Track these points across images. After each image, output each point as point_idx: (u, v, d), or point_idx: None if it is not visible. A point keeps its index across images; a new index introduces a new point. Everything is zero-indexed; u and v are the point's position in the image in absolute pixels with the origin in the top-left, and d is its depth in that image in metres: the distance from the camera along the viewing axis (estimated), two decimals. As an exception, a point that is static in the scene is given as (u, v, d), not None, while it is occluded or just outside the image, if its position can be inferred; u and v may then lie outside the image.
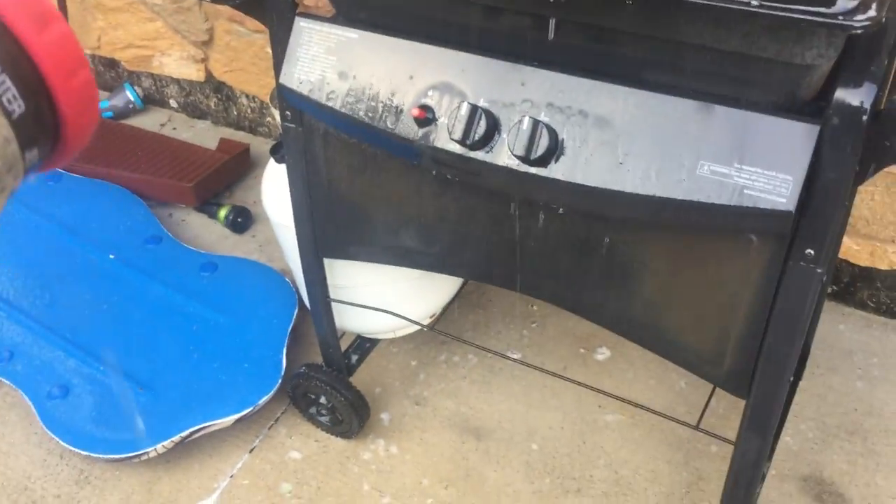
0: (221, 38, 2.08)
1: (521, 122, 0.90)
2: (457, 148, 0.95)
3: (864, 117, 0.79)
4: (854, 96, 0.80)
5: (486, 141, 0.93)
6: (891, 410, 1.49)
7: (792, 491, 1.40)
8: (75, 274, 1.76)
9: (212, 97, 2.26)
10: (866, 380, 1.54)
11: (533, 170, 0.92)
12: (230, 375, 1.54)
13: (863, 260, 1.60)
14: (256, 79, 2.12)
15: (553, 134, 0.90)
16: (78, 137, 0.44)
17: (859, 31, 0.72)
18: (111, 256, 1.79)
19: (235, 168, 2.10)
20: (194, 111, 2.33)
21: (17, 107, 0.41)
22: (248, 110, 2.23)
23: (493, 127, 0.93)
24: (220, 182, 2.06)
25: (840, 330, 1.64)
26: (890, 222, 1.51)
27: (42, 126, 0.42)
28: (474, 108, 0.92)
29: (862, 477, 1.40)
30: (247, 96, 2.20)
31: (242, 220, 1.97)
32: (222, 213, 1.97)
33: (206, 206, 2.01)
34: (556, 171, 0.91)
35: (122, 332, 1.64)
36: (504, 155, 0.92)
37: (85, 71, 0.42)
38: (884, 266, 1.59)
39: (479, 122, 0.92)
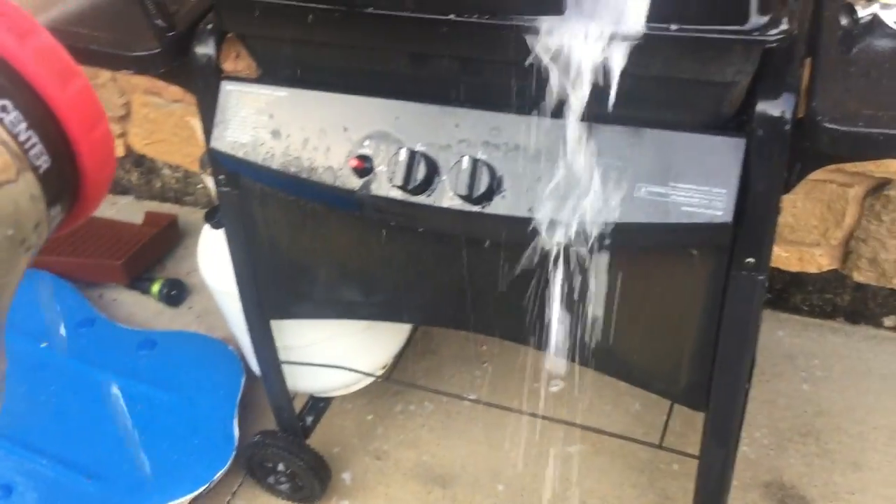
0: (139, 111, 2.05)
1: (459, 162, 0.91)
2: (398, 194, 0.95)
3: (787, 127, 0.83)
4: (775, 107, 0.83)
5: (427, 184, 0.93)
6: (838, 408, 1.53)
7: (756, 499, 1.42)
8: (7, 368, 1.69)
9: (133, 171, 2.22)
10: (811, 381, 1.59)
11: (476, 208, 0.93)
12: (181, 453, 1.49)
13: (793, 265, 1.66)
14: (178, 148, 2.09)
15: (492, 171, 0.91)
16: (96, 193, 0.43)
17: (774, 45, 0.76)
18: (43, 345, 1.73)
19: (164, 241, 2.06)
20: (116, 187, 2.28)
21: (44, 161, 0.40)
22: (173, 181, 2.20)
23: (433, 170, 0.93)
24: (149, 256, 2.02)
25: (780, 336, 1.69)
26: (814, 227, 1.58)
27: (65, 181, 0.41)
28: (412, 153, 0.92)
29: (820, 477, 1.44)
30: (170, 167, 2.17)
31: (177, 293, 1.93)
32: (155, 287, 1.92)
33: (138, 282, 1.96)
34: (498, 206, 0.92)
35: (62, 422, 1.57)
36: (447, 196, 0.93)
37: (104, 124, 0.41)
38: (813, 269, 1.65)
39: (418, 167, 0.92)
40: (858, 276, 1.61)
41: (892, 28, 0.85)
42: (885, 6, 0.86)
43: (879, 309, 1.65)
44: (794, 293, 1.71)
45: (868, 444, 1.47)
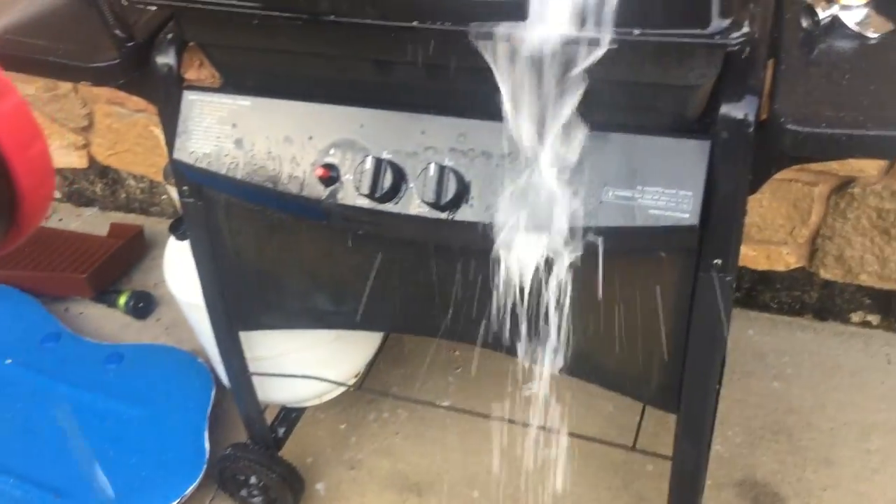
0: (102, 121, 2.02)
1: (427, 169, 0.90)
2: (365, 203, 0.94)
3: (751, 129, 0.83)
4: (738, 110, 0.84)
5: (395, 192, 0.93)
6: (808, 405, 1.55)
7: (730, 498, 1.43)
8: (-30, 385, 1.66)
9: (97, 182, 2.19)
10: (781, 379, 1.60)
11: (444, 215, 0.92)
12: (152, 469, 1.46)
13: (761, 264, 1.67)
14: (143, 159, 2.06)
15: (460, 177, 0.91)
16: (35, 213, 0.41)
17: (736, 48, 0.76)
18: (8, 361, 1.69)
19: (130, 252, 2.03)
20: (80, 199, 2.24)
21: None
22: (137, 191, 2.17)
23: (400, 177, 0.93)
24: (115, 269, 1.99)
25: (750, 335, 1.70)
26: (780, 225, 1.59)
27: (1, 201, 0.39)
28: (379, 161, 0.92)
29: (793, 473, 1.45)
30: (134, 177, 2.14)
31: (144, 305, 1.90)
32: (122, 300, 1.89)
33: (104, 295, 1.93)
34: (466, 213, 0.92)
35: (29, 440, 1.54)
36: (414, 204, 0.92)
37: (41, 142, 0.40)
38: (781, 267, 1.66)
39: (385, 175, 0.92)
40: (825, 274, 1.63)
41: (851, 29, 0.86)
42: (845, 7, 0.86)
43: (846, 305, 1.67)
44: (762, 291, 1.73)
45: (839, 441, 1.48)
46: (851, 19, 0.86)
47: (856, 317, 1.68)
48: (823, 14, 0.86)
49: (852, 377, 1.59)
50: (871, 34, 0.85)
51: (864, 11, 0.87)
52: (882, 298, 1.63)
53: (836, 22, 0.87)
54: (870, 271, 1.59)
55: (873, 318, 1.67)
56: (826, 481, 1.43)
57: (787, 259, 1.65)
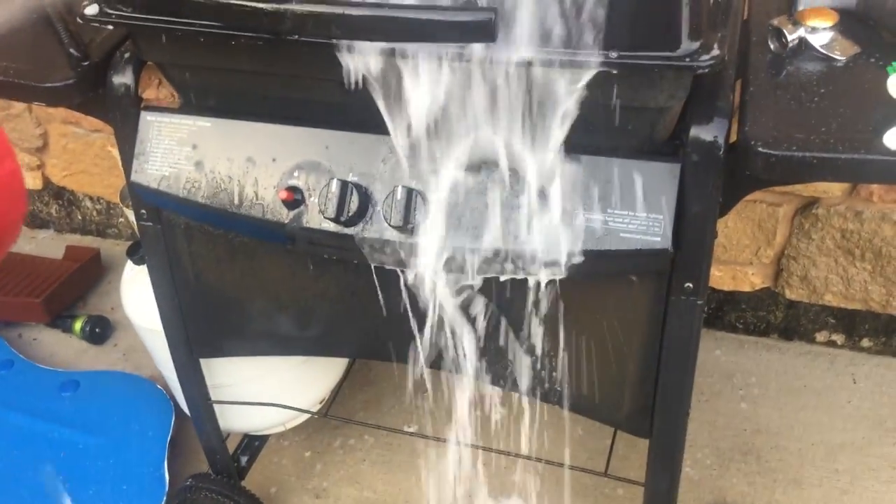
0: (57, 141, 1.97)
1: (394, 191, 0.88)
2: (331, 226, 0.92)
3: (721, 151, 0.83)
4: (708, 132, 0.83)
5: (361, 215, 0.90)
6: (776, 426, 1.55)
7: (700, 521, 1.42)
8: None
9: (52, 204, 2.13)
10: (749, 400, 1.60)
11: (411, 239, 0.90)
12: (109, 500, 1.41)
13: (726, 284, 1.67)
14: (100, 179, 2.02)
15: (427, 201, 0.89)
16: (5, 235, 0.38)
17: (707, 70, 0.76)
18: (-44, 390, 1.63)
19: (86, 276, 1.98)
20: (34, 221, 2.18)
21: None
22: (94, 213, 2.11)
23: (367, 200, 0.90)
24: (71, 293, 1.93)
25: (717, 355, 1.70)
26: (745, 246, 1.59)
27: None
28: (345, 184, 0.89)
29: (762, 496, 1.44)
30: (91, 199, 2.08)
31: (101, 330, 1.85)
32: (77, 325, 1.84)
33: (59, 320, 1.87)
34: (433, 237, 0.90)
35: (-22, 472, 1.48)
36: (381, 227, 0.90)
37: (10, 161, 0.37)
38: (746, 288, 1.67)
39: (351, 198, 0.89)
40: (790, 294, 1.64)
41: (819, 52, 0.86)
42: (812, 30, 0.86)
43: (811, 325, 1.68)
44: (728, 312, 1.73)
45: (807, 461, 1.48)
46: (818, 42, 0.87)
47: (821, 336, 1.69)
48: (791, 36, 0.86)
49: (818, 397, 1.59)
50: (838, 56, 0.85)
51: (830, 34, 0.87)
52: (846, 318, 1.64)
53: (803, 44, 0.87)
54: (834, 291, 1.60)
55: (838, 338, 1.68)
56: (796, 502, 1.42)
57: (752, 279, 1.65)
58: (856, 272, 1.55)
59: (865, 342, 1.66)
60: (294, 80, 0.92)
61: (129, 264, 1.36)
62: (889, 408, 1.56)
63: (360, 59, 0.80)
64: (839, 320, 1.65)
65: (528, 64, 0.76)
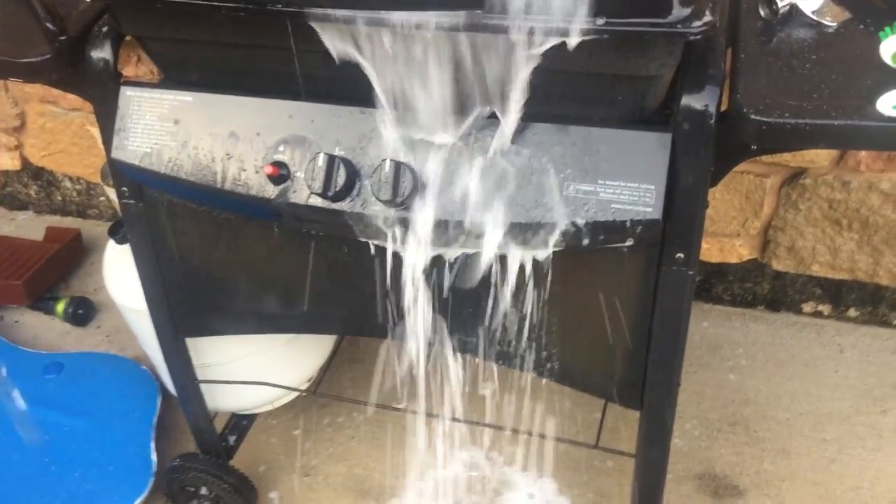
0: (35, 121, 1.94)
1: (381, 165, 0.86)
2: (318, 201, 0.90)
3: (712, 120, 0.82)
4: (699, 101, 0.82)
5: (349, 190, 0.89)
6: (764, 396, 1.55)
7: (690, 492, 1.42)
8: None
9: (31, 185, 2.10)
10: (737, 371, 1.61)
11: (401, 213, 0.89)
12: (96, 482, 1.40)
13: (714, 256, 1.67)
14: (79, 159, 1.98)
15: (416, 174, 0.87)
16: None
17: (698, 37, 0.74)
18: (-63, 374, 1.61)
19: (68, 257, 1.95)
20: (13, 202, 2.15)
21: None
22: (74, 193, 2.08)
23: (354, 174, 0.89)
24: (52, 274, 1.91)
25: (704, 327, 1.70)
26: (733, 218, 1.59)
27: None
28: (332, 158, 0.88)
29: (751, 465, 1.45)
30: (70, 179, 2.05)
31: (84, 312, 1.82)
32: (60, 307, 1.82)
33: (41, 302, 1.85)
34: (423, 210, 0.88)
35: (-38, 456, 1.46)
36: (369, 201, 0.89)
37: None
38: (733, 260, 1.67)
39: (338, 172, 0.88)
40: (777, 265, 1.64)
41: (810, 18, 0.85)
42: (803, -4, 0.85)
43: (798, 296, 1.69)
44: (715, 284, 1.73)
45: (795, 431, 1.49)
46: (809, 8, 0.86)
47: (807, 307, 1.69)
48: (782, 3, 0.85)
49: (805, 367, 1.60)
50: (829, 22, 0.84)
51: (820, 0, 0.86)
52: (833, 288, 1.65)
53: (794, 11, 0.86)
54: (821, 262, 1.60)
55: (825, 308, 1.68)
56: (784, 472, 1.43)
57: (739, 251, 1.65)
58: (843, 242, 1.55)
59: (852, 312, 1.67)
60: (278, 53, 0.89)
61: (111, 244, 1.34)
62: (875, 377, 1.57)
63: (346, 29, 0.79)
64: (826, 291, 1.66)
65: (511, 31, 0.75)
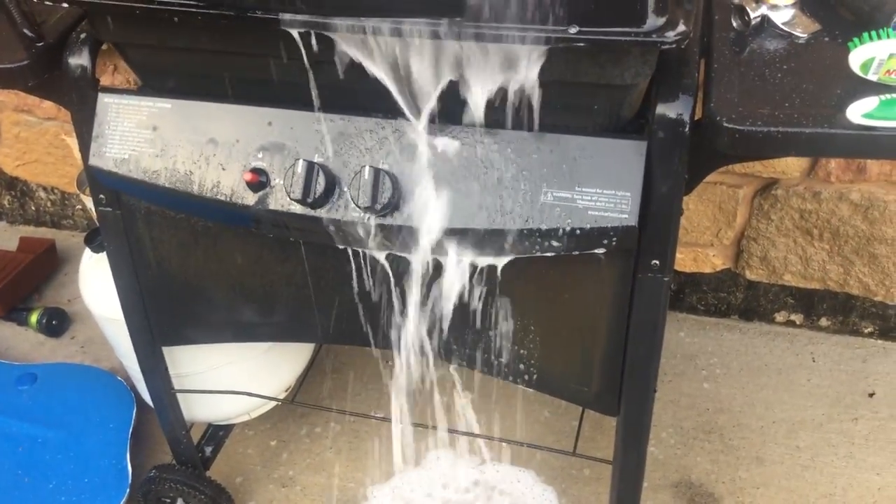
0: (9, 130, 1.92)
1: (361, 172, 0.87)
2: (297, 208, 0.91)
3: (686, 128, 0.83)
4: (673, 109, 0.83)
5: (328, 196, 0.89)
6: (738, 405, 1.57)
7: (666, 499, 1.43)
8: None
9: (4, 195, 2.08)
10: (711, 380, 1.62)
11: (380, 219, 0.89)
12: (71, 495, 1.39)
13: (688, 266, 1.69)
14: (54, 169, 1.97)
15: (395, 181, 0.88)
16: None
17: (673, 46, 0.76)
18: None
19: (41, 267, 1.94)
20: (-14, 213, 2.13)
21: None
22: (48, 203, 2.06)
23: (333, 181, 0.89)
24: (26, 285, 1.89)
25: (679, 337, 1.72)
26: (706, 228, 1.61)
27: None
28: (311, 165, 0.88)
29: (726, 473, 1.46)
30: (45, 189, 2.03)
31: (58, 322, 1.81)
32: (33, 317, 1.80)
33: (14, 312, 1.83)
34: (402, 217, 0.89)
35: (-67, 469, 1.44)
36: (349, 208, 0.89)
37: None
38: (707, 269, 1.69)
39: (317, 179, 0.88)
40: (750, 275, 1.66)
41: (781, 29, 0.87)
42: (773, 7, 0.87)
43: (771, 305, 1.71)
44: (689, 293, 1.75)
45: (769, 438, 1.51)
46: (780, 19, 0.88)
47: (780, 316, 1.72)
48: (754, 14, 0.87)
49: (778, 375, 1.62)
50: (800, 33, 0.86)
51: (791, 12, 0.88)
52: (805, 298, 1.67)
53: (765, 22, 0.88)
54: (793, 271, 1.62)
55: (797, 318, 1.71)
56: (758, 480, 1.45)
57: (713, 261, 1.67)
58: (814, 252, 1.58)
59: (823, 321, 1.69)
60: (256, 60, 0.90)
61: (88, 252, 1.33)
62: (847, 385, 1.59)
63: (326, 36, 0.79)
64: (798, 300, 1.68)
65: (486, 39, 0.76)
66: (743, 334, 1.71)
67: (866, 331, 1.68)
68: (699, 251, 1.67)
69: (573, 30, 0.76)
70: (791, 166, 1.48)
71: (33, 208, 2.08)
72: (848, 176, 1.47)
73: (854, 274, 1.59)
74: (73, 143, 1.86)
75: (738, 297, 1.73)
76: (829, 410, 1.55)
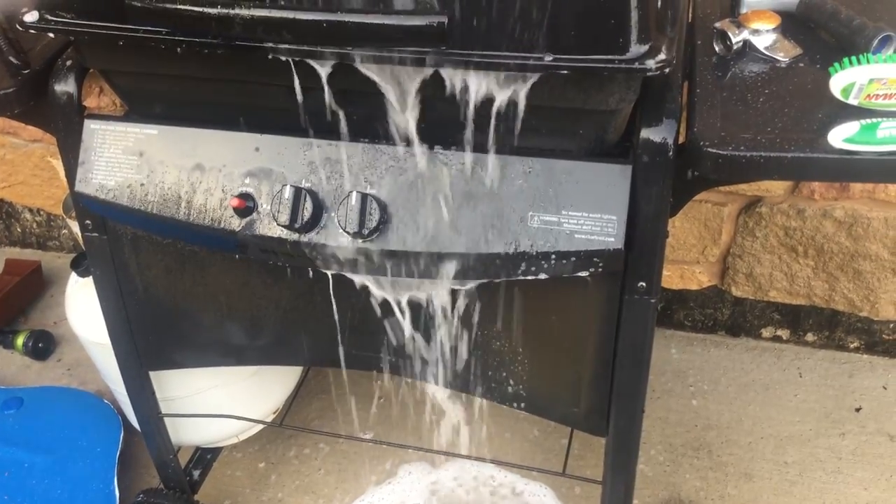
0: (-6, 152, 1.92)
1: (348, 198, 0.87)
2: (284, 233, 0.91)
3: (670, 152, 0.84)
4: (657, 134, 0.84)
5: (315, 222, 0.89)
6: (726, 421, 1.57)
7: (655, 517, 1.44)
8: None
9: (-10, 217, 2.07)
10: (699, 396, 1.63)
11: (367, 245, 0.89)
12: (56, 520, 1.37)
13: (675, 283, 1.70)
14: (40, 191, 1.96)
15: (383, 206, 0.88)
16: None
17: (656, 73, 0.77)
18: None
19: (27, 289, 1.92)
20: (-29, 235, 2.12)
21: None
22: (34, 225, 2.06)
23: (320, 207, 0.89)
24: (11, 307, 1.88)
25: (667, 353, 1.72)
26: (692, 245, 1.62)
27: None
28: (298, 191, 0.88)
29: (715, 490, 1.46)
30: (30, 210, 2.03)
31: (44, 345, 1.79)
32: (19, 340, 1.78)
33: (0, 335, 1.81)
34: (390, 242, 0.89)
35: (-84, 496, 1.42)
36: (336, 234, 0.89)
37: None
38: (694, 286, 1.70)
39: (304, 204, 0.88)
40: (736, 291, 1.67)
41: (763, 53, 0.88)
42: (755, 32, 0.88)
43: (757, 321, 1.72)
44: (676, 310, 1.76)
45: (757, 454, 1.51)
46: (762, 44, 0.89)
47: (767, 332, 1.73)
48: (735, 39, 0.88)
49: (766, 391, 1.63)
50: (781, 58, 0.88)
51: (773, 36, 0.89)
52: (791, 314, 1.68)
53: (747, 46, 0.89)
54: (779, 288, 1.63)
55: (783, 333, 1.72)
56: (747, 496, 1.45)
57: (699, 278, 1.68)
58: (799, 268, 1.59)
59: (810, 336, 1.71)
60: (243, 86, 0.90)
61: (74, 276, 1.32)
62: (834, 400, 1.60)
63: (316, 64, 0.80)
64: (784, 316, 1.69)
65: (471, 66, 0.76)
66: (730, 350, 1.72)
67: (852, 346, 1.69)
68: (685, 268, 1.68)
69: (549, 58, 0.76)
70: (775, 184, 1.49)
71: (19, 230, 2.08)
72: (831, 193, 1.48)
73: (839, 290, 1.60)
74: (58, 165, 1.85)
75: (725, 314, 1.73)
76: (816, 425, 1.56)
